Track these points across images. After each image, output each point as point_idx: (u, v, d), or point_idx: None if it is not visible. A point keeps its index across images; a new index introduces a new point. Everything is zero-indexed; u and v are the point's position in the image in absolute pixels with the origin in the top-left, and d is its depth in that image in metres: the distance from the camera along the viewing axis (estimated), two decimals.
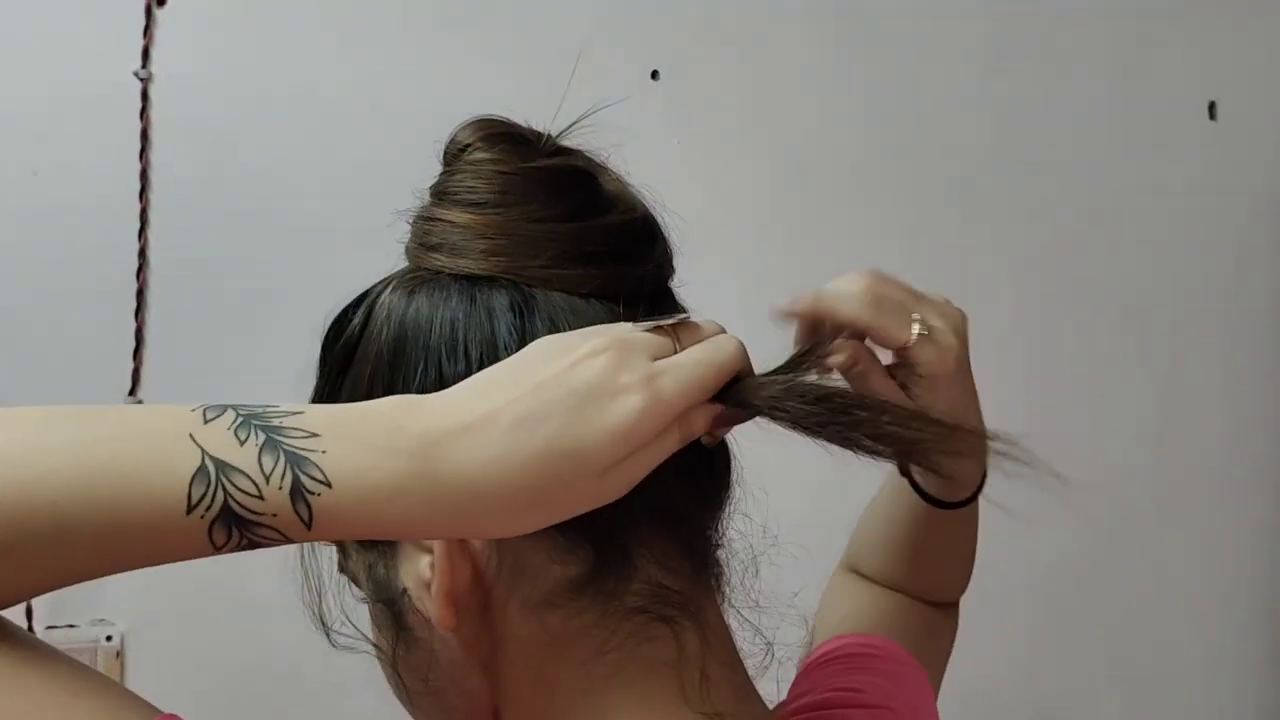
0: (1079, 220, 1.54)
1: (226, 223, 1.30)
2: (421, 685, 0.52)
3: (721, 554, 0.54)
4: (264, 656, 1.28)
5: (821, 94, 1.45)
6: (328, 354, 0.53)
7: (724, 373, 0.48)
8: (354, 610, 0.55)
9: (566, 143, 0.54)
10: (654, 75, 1.39)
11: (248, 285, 1.29)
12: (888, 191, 1.49)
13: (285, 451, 0.44)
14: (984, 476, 0.69)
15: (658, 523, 0.50)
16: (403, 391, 0.48)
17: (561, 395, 0.44)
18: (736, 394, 0.49)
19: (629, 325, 0.48)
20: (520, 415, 0.44)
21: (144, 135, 1.27)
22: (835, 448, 0.49)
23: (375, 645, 0.54)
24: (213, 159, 1.29)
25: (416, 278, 0.52)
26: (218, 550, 0.44)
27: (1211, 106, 1.59)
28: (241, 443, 0.44)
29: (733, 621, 0.54)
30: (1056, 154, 1.53)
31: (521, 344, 0.48)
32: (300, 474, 0.43)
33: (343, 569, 0.55)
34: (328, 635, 0.55)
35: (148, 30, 1.27)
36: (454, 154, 0.53)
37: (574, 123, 0.54)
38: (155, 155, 1.28)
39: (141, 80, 1.26)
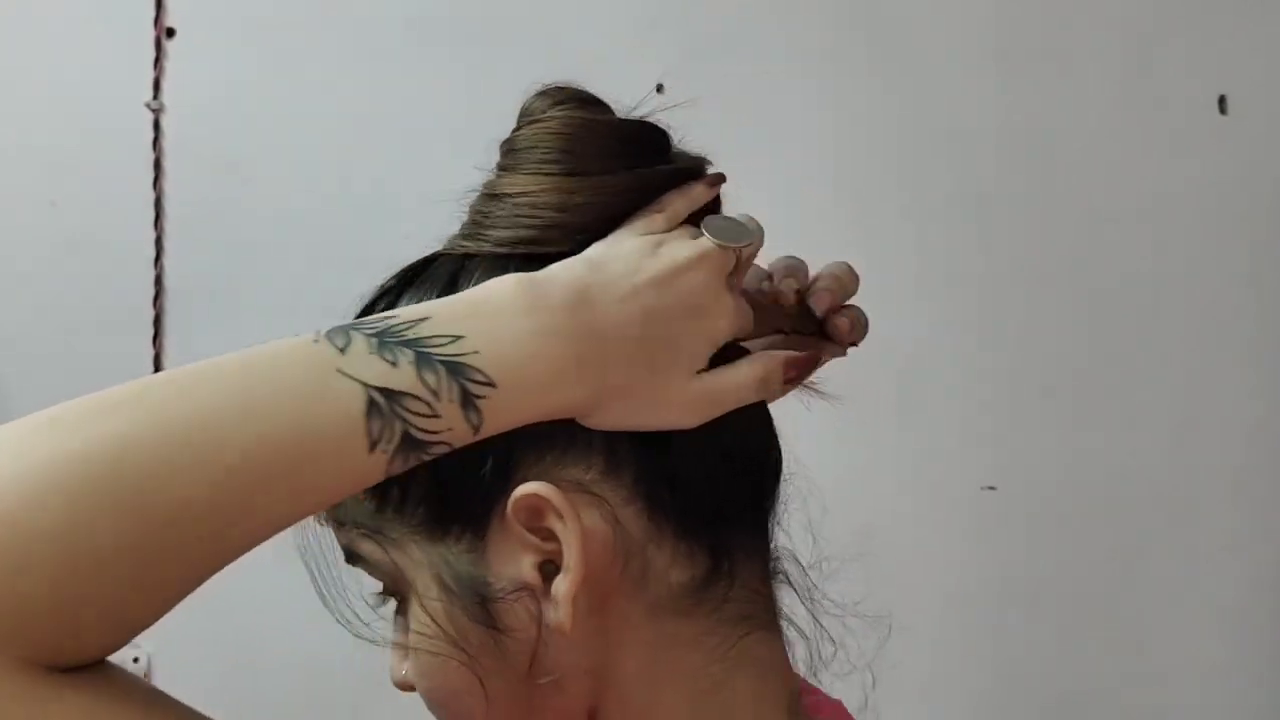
0: (1089, 218, 1.53)
1: (240, 249, 1.31)
2: (512, 689, 0.48)
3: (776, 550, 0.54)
4: (292, 676, 1.28)
5: (825, 101, 1.46)
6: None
7: None
8: (379, 608, 0.52)
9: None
10: (659, 88, 1.40)
11: (263, 310, 1.30)
12: (896, 197, 1.48)
13: (442, 363, 0.43)
14: None
15: (755, 528, 0.51)
16: None
17: (673, 298, 0.47)
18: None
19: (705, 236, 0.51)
20: (647, 308, 0.47)
21: (157, 165, 1.28)
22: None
23: (456, 646, 0.48)
24: (225, 186, 1.31)
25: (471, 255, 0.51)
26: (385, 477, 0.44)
27: (1222, 100, 1.58)
28: (394, 365, 0.43)
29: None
30: (1066, 151, 1.53)
31: None
32: (465, 382, 0.43)
33: (352, 561, 0.51)
34: (352, 628, 0.51)
35: (158, 62, 1.28)
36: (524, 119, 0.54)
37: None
38: (168, 184, 1.29)
39: (153, 111, 1.28)
